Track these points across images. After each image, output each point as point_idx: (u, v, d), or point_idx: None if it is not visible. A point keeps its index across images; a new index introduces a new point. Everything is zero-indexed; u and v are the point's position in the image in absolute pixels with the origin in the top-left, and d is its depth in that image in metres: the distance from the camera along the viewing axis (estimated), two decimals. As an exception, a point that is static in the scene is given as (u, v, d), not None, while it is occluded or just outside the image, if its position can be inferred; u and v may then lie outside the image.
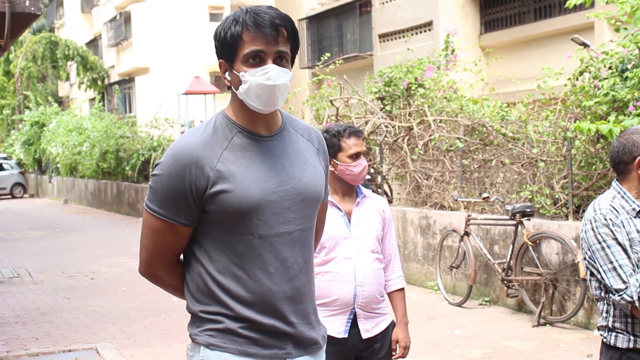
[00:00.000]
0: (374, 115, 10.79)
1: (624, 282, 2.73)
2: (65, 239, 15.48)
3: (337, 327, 3.35)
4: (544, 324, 7.20)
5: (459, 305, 8.16)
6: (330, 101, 11.39)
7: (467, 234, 8.23)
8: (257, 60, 2.16)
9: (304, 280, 2.27)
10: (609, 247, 2.76)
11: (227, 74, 2.23)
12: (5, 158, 32.26)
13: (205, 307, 2.22)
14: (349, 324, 3.37)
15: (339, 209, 3.42)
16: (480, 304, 8.19)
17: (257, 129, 2.25)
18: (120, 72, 30.53)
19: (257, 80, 2.15)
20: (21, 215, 22.11)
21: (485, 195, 8.16)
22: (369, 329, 3.40)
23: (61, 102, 36.11)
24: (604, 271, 2.77)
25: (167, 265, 2.29)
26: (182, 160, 2.16)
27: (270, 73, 2.15)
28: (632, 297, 2.71)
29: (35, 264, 11.97)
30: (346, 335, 3.36)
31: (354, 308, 3.37)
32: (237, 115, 2.24)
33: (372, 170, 11.02)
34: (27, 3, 5.70)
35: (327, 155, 2.45)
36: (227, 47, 2.19)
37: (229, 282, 2.19)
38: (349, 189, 3.47)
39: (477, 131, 9.41)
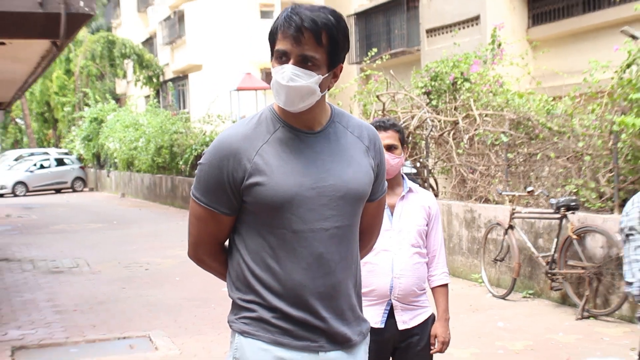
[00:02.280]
0: (420, 109, 10.75)
1: (633, 276, 2.72)
2: (122, 231, 15.82)
3: (374, 317, 3.37)
4: (588, 317, 7.11)
5: (503, 297, 8.11)
6: (377, 96, 11.39)
7: (511, 227, 8.17)
8: (283, 59, 2.15)
9: (340, 277, 2.23)
10: (632, 241, 2.76)
11: None
12: (66, 153, 33.06)
13: (243, 295, 2.25)
14: (386, 315, 3.38)
15: None
16: (524, 297, 8.12)
17: (299, 125, 2.22)
18: (174, 70, 30.95)
19: (275, 77, 2.15)
20: (81, 208, 22.63)
21: (530, 188, 8.09)
22: (405, 321, 3.40)
23: (118, 99, 36.80)
24: (624, 263, 2.78)
25: (211, 251, 2.33)
26: (222, 151, 2.19)
27: (285, 73, 2.12)
28: (636, 293, 2.70)
29: (93, 255, 12.28)
30: (382, 326, 3.37)
31: (390, 299, 3.37)
32: (281, 110, 2.23)
33: (417, 164, 11.00)
34: (82, 4, 5.84)
35: (380, 154, 2.37)
36: (270, 42, 2.21)
37: (263, 273, 2.20)
38: (392, 183, 3.46)
39: (523, 125, 9.31)
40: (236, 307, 2.28)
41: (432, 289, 3.52)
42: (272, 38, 2.18)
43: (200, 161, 2.25)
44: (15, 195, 29.40)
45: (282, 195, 2.15)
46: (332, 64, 2.19)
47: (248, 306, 2.23)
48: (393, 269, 3.36)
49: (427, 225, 3.47)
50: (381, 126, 3.41)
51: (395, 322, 3.39)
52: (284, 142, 2.20)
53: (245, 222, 2.24)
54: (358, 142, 2.30)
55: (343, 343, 2.27)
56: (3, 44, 7.59)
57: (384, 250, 3.37)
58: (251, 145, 2.18)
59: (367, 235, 2.48)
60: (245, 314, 2.24)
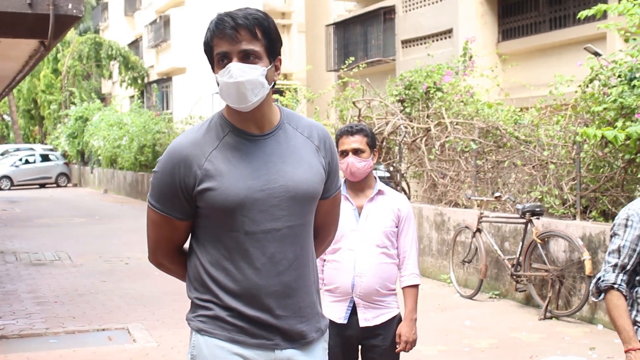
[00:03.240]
0: (394, 116, 10.75)
1: (605, 272, 2.74)
2: (104, 226, 15.64)
3: (338, 313, 3.40)
4: (550, 318, 7.13)
5: (470, 297, 8.11)
6: (353, 102, 11.37)
7: (479, 230, 8.18)
8: (224, 61, 2.12)
9: (294, 275, 2.19)
10: (613, 243, 2.75)
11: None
12: (51, 150, 32.69)
13: (200, 294, 2.21)
14: (349, 312, 3.38)
15: (351, 202, 3.42)
16: (490, 297, 8.13)
17: (249, 128, 2.18)
18: (158, 72, 30.73)
19: (223, 79, 2.11)
20: (64, 203, 22.36)
21: (497, 194, 8.11)
22: (368, 319, 3.38)
23: (104, 99, 36.45)
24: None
25: (169, 255, 2.29)
26: (174, 159, 2.15)
27: (232, 71, 2.09)
28: (590, 287, 2.73)
29: (75, 249, 12.10)
30: (345, 322, 3.38)
31: (352, 297, 3.37)
32: (230, 115, 2.19)
33: (391, 169, 10.99)
34: (70, 6, 5.74)
35: (330, 152, 2.31)
36: (207, 55, 2.18)
37: (219, 274, 2.17)
38: (362, 185, 3.44)
39: (491, 134, 9.35)
40: (194, 306, 2.24)
41: (402, 289, 3.48)
42: (208, 47, 2.16)
43: (155, 169, 2.21)
44: (0, 189, 28.97)
45: (233, 199, 2.11)
46: (272, 56, 2.16)
47: (205, 305, 2.20)
48: (355, 267, 3.35)
49: (396, 226, 3.43)
50: (349, 131, 3.42)
51: (358, 319, 3.37)
52: (234, 146, 2.16)
53: (201, 225, 2.21)
54: (308, 142, 2.26)
55: (299, 340, 2.22)
56: (-8, 41, 7.44)
57: (349, 249, 3.37)
58: (201, 151, 2.14)
59: (324, 231, 2.43)
60: (202, 312, 2.20)
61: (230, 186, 2.11)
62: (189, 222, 2.22)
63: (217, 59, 2.13)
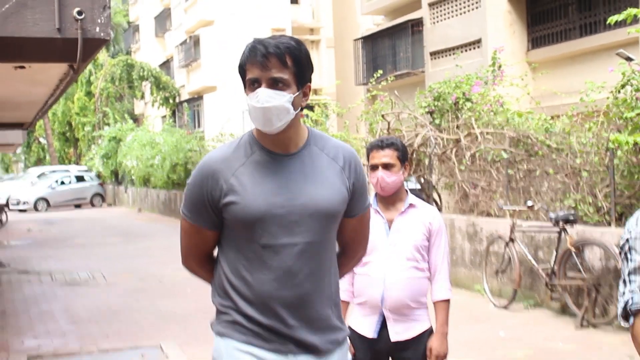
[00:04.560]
0: (423, 128, 10.71)
1: (632, 294, 2.56)
2: (138, 244, 15.80)
3: (368, 327, 3.37)
4: (587, 327, 7.01)
5: (504, 308, 8.01)
6: (382, 115, 11.36)
7: (512, 240, 8.09)
8: (255, 85, 2.24)
9: (308, 288, 2.29)
10: (632, 261, 2.60)
11: None
12: (86, 170, 33.20)
13: (221, 300, 2.35)
14: (379, 326, 3.35)
15: (382, 216, 3.40)
16: (525, 307, 8.02)
17: (275, 148, 2.30)
18: (189, 91, 31.08)
19: (251, 103, 2.23)
20: (99, 223, 22.65)
21: (530, 203, 8.02)
22: (399, 332, 3.34)
23: (136, 119, 36.92)
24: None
25: (199, 261, 2.44)
26: (203, 172, 2.31)
27: (259, 97, 2.21)
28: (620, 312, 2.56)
29: (109, 268, 12.24)
30: (376, 336, 3.35)
31: (382, 310, 3.34)
32: (259, 134, 2.31)
33: (422, 180, 10.94)
34: (97, 29, 5.81)
35: (355, 173, 2.39)
36: (240, 75, 2.29)
37: (238, 282, 2.30)
38: (393, 198, 3.41)
39: (522, 142, 9.26)
40: (217, 312, 2.39)
41: (434, 303, 3.44)
42: (242, 70, 2.27)
43: (188, 181, 2.37)
44: (37, 211, 29.47)
45: (253, 213, 2.24)
46: (301, 83, 2.27)
47: (225, 311, 2.33)
48: (385, 281, 3.33)
49: (427, 240, 3.39)
50: (379, 145, 3.39)
51: (389, 333, 3.34)
52: (260, 163, 2.28)
53: (226, 236, 2.35)
54: (332, 163, 2.35)
55: (312, 351, 2.31)
56: (23, 67, 7.59)
57: (379, 263, 3.35)
58: (228, 167, 2.28)
59: (352, 248, 2.53)
60: (223, 317, 2.34)
61: (251, 201, 2.24)
62: (216, 232, 2.35)
63: (249, 83, 2.25)
